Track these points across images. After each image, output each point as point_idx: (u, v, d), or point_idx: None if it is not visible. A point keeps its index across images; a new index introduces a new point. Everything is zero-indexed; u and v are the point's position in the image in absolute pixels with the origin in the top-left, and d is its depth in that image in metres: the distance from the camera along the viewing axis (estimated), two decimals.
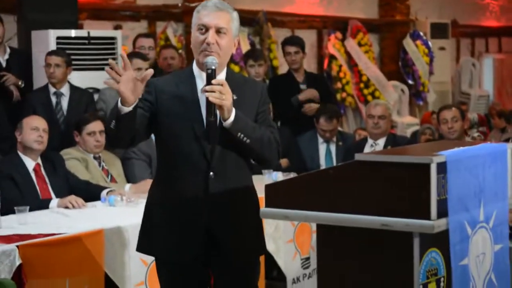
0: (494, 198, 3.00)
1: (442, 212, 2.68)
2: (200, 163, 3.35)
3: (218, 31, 3.33)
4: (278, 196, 2.97)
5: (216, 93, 3.19)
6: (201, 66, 3.36)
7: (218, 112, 3.25)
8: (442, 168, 2.69)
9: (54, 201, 5.02)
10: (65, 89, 6.49)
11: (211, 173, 3.35)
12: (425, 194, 2.64)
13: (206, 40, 3.31)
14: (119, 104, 3.21)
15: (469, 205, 2.83)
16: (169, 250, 3.42)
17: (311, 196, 2.88)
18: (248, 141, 3.31)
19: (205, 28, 3.33)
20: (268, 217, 3.08)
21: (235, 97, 3.30)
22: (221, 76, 3.40)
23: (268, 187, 3.00)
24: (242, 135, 3.30)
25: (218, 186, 3.36)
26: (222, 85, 3.22)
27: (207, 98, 3.21)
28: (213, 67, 3.25)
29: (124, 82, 3.18)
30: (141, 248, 3.55)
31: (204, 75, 3.31)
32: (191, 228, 3.37)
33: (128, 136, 3.33)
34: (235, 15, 3.42)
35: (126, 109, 3.20)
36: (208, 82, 3.23)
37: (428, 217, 2.64)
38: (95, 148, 5.90)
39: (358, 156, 2.80)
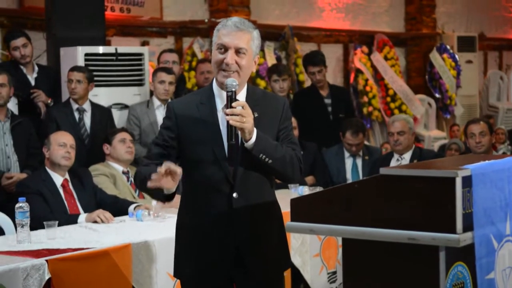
0: None
1: (468, 226, 2.68)
2: (223, 186, 3.34)
3: (238, 51, 3.30)
4: (304, 210, 2.97)
5: (237, 116, 3.18)
6: (221, 85, 3.35)
7: (239, 133, 3.24)
8: (467, 181, 2.68)
9: (83, 216, 5.06)
10: (87, 106, 6.52)
11: (235, 194, 3.34)
12: (450, 207, 2.64)
13: (225, 60, 3.29)
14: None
15: (495, 218, 2.82)
16: (199, 273, 3.40)
17: (337, 210, 2.88)
18: (270, 161, 3.30)
19: (224, 48, 3.30)
20: (294, 231, 3.09)
21: (256, 115, 3.28)
22: (242, 95, 3.38)
23: (294, 201, 3.01)
24: (263, 156, 3.28)
25: (242, 205, 3.35)
26: (243, 107, 3.20)
27: (227, 122, 3.18)
28: (233, 89, 3.23)
29: (164, 180, 3.22)
30: (177, 273, 3.53)
31: (223, 93, 3.30)
32: (220, 249, 3.37)
33: None
34: (256, 33, 3.38)
35: (167, 192, 3.30)
36: (229, 105, 3.21)
37: (454, 231, 2.64)
38: (127, 154, 5.95)
39: (383, 170, 2.80)
